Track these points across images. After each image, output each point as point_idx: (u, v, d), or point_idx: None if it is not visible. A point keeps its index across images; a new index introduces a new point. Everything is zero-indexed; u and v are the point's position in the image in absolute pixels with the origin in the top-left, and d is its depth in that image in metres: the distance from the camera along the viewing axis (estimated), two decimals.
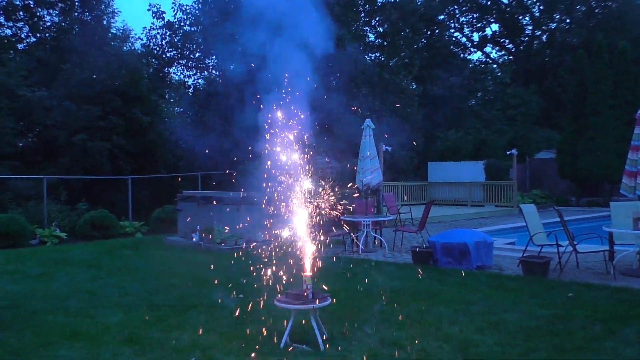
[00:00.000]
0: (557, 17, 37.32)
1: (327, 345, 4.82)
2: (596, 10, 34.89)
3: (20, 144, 18.91)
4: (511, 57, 41.02)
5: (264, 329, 5.33)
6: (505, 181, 21.43)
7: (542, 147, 27.10)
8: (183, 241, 12.66)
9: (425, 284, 7.47)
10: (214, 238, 11.68)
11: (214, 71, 22.05)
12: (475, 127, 29.75)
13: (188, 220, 12.94)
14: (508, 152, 20.72)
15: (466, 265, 8.69)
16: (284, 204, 5.72)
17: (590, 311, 5.88)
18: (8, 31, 25.94)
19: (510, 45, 40.84)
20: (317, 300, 4.91)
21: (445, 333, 5.20)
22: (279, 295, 5.15)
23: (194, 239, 12.12)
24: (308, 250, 5.18)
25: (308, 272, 5.02)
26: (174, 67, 23.31)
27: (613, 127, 20.56)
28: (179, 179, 21.23)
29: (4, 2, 25.58)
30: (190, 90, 25.31)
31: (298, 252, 5.26)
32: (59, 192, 16.17)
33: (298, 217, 5.31)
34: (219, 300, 6.54)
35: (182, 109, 31.13)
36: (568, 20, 36.48)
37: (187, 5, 21.88)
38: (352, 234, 11.18)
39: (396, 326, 5.44)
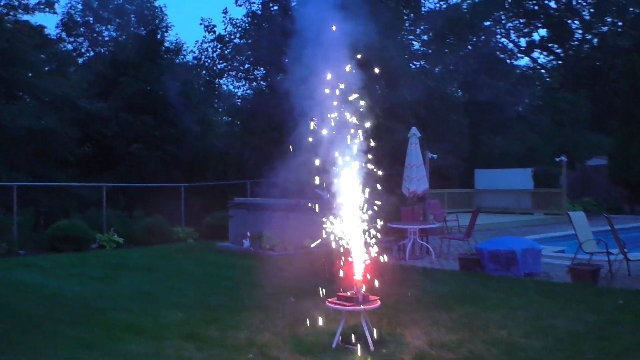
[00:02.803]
0: (609, 20, 36.39)
1: (376, 346, 5.03)
2: None
3: (80, 153, 19.90)
4: (560, 62, 40.18)
5: (315, 330, 5.59)
6: (554, 189, 21.06)
7: (592, 152, 26.43)
8: (233, 247, 13.09)
9: (473, 289, 7.58)
10: (264, 243, 12.04)
11: (261, 82, 22.63)
12: (522, 132, 29.30)
13: (239, 226, 13.39)
14: (557, 159, 20.36)
15: (514, 272, 8.72)
16: (334, 212, 5.94)
17: None
18: (69, 46, 27.39)
19: (558, 50, 40.02)
20: (367, 303, 5.14)
21: (492, 337, 5.33)
22: (329, 297, 5.40)
23: (245, 245, 12.52)
24: (358, 255, 5.42)
25: (358, 276, 5.26)
26: (224, 79, 24.04)
27: None
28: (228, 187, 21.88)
29: (66, 19, 27.04)
30: (239, 100, 26.06)
31: (348, 258, 5.49)
32: (117, 199, 16.97)
33: (347, 225, 5.53)
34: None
35: (230, 119, 32.04)
36: (620, 23, 35.53)
37: (236, 18, 22.55)
38: (398, 242, 11.33)
39: (444, 329, 5.61)
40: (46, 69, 22.34)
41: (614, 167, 21.56)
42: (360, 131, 5.71)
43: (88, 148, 21.02)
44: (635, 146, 20.71)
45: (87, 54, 28.49)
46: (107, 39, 28.59)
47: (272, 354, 4.91)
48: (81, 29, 28.14)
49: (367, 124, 5.89)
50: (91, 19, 27.99)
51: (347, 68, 5.66)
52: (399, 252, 11.29)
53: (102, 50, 28.05)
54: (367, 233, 5.57)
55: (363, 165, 5.71)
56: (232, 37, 22.55)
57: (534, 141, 27.33)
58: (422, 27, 25.77)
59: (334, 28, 6.02)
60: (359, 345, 5.05)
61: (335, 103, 5.90)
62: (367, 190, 5.90)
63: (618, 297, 6.92)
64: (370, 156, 5.83)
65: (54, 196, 18.02)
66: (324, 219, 5.71)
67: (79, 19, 27.84)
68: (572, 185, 23.68)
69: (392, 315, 6.09)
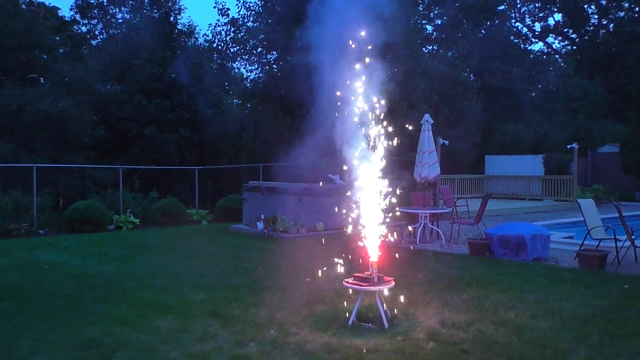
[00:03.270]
0: (626, 5, 35.95)
1: (390, 324, 5.29)
2: None
3: (96, 136, 20.20)
4: (574, 47, 39.83)
5: (331, 308, 5.87)
6: (565, 175, 21.15)
7: (606, 140, 26.38)
8: (248, 229, 13.38)
9: (482, 273, 7.82)
10: (278, 226, 12.32)
11: (274, 66, 22.75)
12: (535, 119, 29.27)
13: (252, 209, 13.67)
14: (569, 146, 20.41)
15: (522, 257, 8.94)
16: (348, 195, 6.13)
17: None
18: (84, 28, 27.58)
19: (573, 35, 39.65)
20: (382, 284, 5.40)
21: (501, 317, 5.58)
22: (345, 278, 5.66)
23: (259, 227, 12.80)
24: (373, 238, 5.65)
25: (374, 258, 5.51)
26: (237, 62, 24.19)
27: None
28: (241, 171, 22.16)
29: (80, 1, 27.19)
30: (250, 84, 26.19)
31: (363, 240, 5.72)
32: (132, 181, 17.29)
33: (362, 209, 5.75)
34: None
35: (240, 101, 32.23)
36: (637, 9, 35.09)
37: (250, 2, 22.62)
38: (409, 226, 11.56)
39: (455, 310, 5.86)
40: (61, 51, 22.57)
41: (627, 155, 21.55)
42: (375, 115, 5.85)
43: (103, 131, 21.30)
44: None
45: (100, 37, 28.67)
46: (120, 21, 28.72)
47: (292, 331, 5.18)
48: (95, 11, 28.27)
49: (383, 111, 6.01)
50: (105, 0, 28.09)
51: (366, 60, 5.78)
52: (409, 236, 11.52)
53: (116, 32, 28.21)
54: (383, 217, 5.77)
55: (381, 149, 5.85)
56: (246, 20, 22.64)
57: (547, 128, 27.30)
58: (436, 11, 25.69)
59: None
60: (373, 324, 5.31)
61: (358, 88, 6.01)
62: (382, 175, 6.04)
63: (624, 282, 7.12)
64: (386, 142, 5.97)
65: (71, 178, 18.39)
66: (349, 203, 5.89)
67: (92, 1, 27.96)
68: (583, 173, 23.74)
69: (405, 295, 6.33)
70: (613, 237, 8.59)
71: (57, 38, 22.52)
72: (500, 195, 22.17)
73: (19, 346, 4.83)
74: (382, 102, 5.85)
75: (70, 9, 27.31)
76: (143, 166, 19.38)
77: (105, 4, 28.00)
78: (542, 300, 6.25)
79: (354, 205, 5.70)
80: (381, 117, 5.92)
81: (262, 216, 12.88)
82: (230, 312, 5.84)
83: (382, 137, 5.88)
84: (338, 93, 5.89)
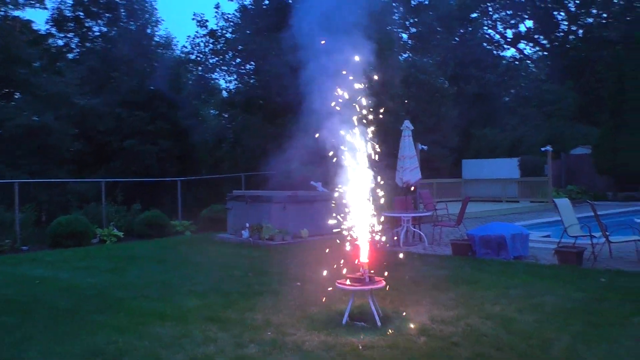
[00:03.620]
0: (594, 11, 37.04)
1: (382, 323, 5.51)
2: (635, 4, 34.51)
3: (77, 149, 20.15)
4: (546, 53, 40.84)
5: (324, 310, 6.07)
6: (540, 177, 21.72)
7: (579, 142, 27.13)
8: (233, 238, 13.51)
9: (467, 272, 8.11)
10: (263, 234, 12.48)
11: (252, 76, 22.95)
12: (510, 124, 29.95)
13: (237, 218, 13.81)
14: (543, 149, 21.00)
15: (503, 256, 9.26)
16: (334, 202, 6.34)
17: (622, 294, 6.44)
18: (60, 42, 27.47)
19: (545, 41, 40.66)
20: (373, 284, 5.63)
21: (488, 312, 5.85)
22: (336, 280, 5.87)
23: (244, 236, 12.94)
24: (363, 240, 5.88)
25: (364, 259, 5.74)
26: (216, 73, 24.36)
27: None
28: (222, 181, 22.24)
29: (56, 14, 27.10)
30: (224, 94, 26.34)
31: (352, 243, 5.94)
32: (115, 194, 17.27)
33: (354, 213, 5.98)
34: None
35: (217, 112, 32.31)
36: (605, 15, 36.19)
37: (228, 13, 22.85)
38: (392, 229, 11.83)
39: (443, 307, 6.12)
40: (37, 65, 22.48)
41: (599, 156, 22.25)
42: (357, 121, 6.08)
43: (83, 144, 21.24)
44: (621, 138, 21.39)
45: (77, 50, 28.58)
46: (97, 34, 28.69)
47: (289, 332, 5.37)
48: (70, 24, 28.18)
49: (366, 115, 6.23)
50: (81, 13, 28.03)
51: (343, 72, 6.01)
52: (393, 240, 11.78)
53: (93, 46, 28.17)
54: (370, 222, 6.00)
55: (364, 156, 6.06)
56: (224, 31, 22.83)
57: (521, 132, 27.97)
58: (411, 20, 26.22)
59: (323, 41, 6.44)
60: (366, 323, 5.53)
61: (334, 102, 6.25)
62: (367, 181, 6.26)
63: (601, 276, 7.48)
64: (371, 148, 6.19)
65: (52, 193, 18.31)
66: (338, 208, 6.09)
67: (69, 14, 27.89)
68: (557, 174, 24.37)
69: (394, 296, 6.57)
70: (589, 234, 8.97)
71: (33, 52, 22.43)
72: (478, 198, 22.65)
73: (29, 357, 4.93)
74: (364, 110, 6.09)
75: (46, 22, 27.22)
76: (125, 179, 19.36)
77: (81, 17, 27.96)
78: (525, 295, 6.54)
79: (345, 210, 5.92)
80: (364, 123, 6.14)
81: (247, 224, 13.02)
82: (227, 316, 6.00)
83: (366, 144, 6.10)
84: (339, 91, 6.06)
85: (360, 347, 4.85)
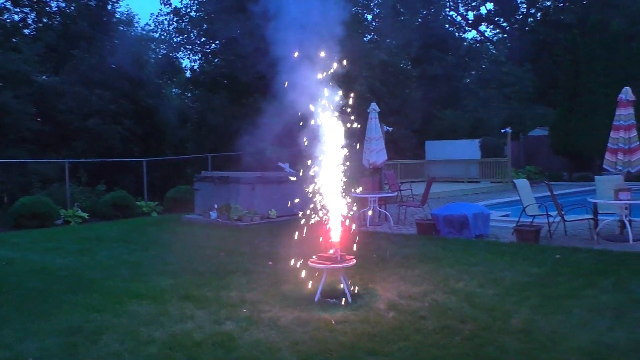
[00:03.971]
0: None
1: (353, 299, 5.78)
2: None
3: (36, 129, 19.64)
4: (505, 36, 41.65)
5: (296, 288, 6.29)
6: (500, 158, 22.40)
7: (537, 124, 27.97)
8: (200, 219, 13.58)
9: (431, 250, 8.46)
10: (232, 215, 12.59)
11: (218, 55, 22.75)
12: (471, 105, 30.61)
13: (205, 199, 13.86)
14: (502, 130, 21.63)
15: (466, 234, 9.67)
16: (305, 183, 6.52)
17: (575, 269, 6.87)
18: (16, 17, 26.48)
19: (504, 24, 41.44)
20: (344, 262, 5.88)
21: (452, 288, 6.18)
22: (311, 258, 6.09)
23: (212, 217, 13.02)
24: (334, 220, 6.11)
25: (336, 239, 5.97)
26: (180, 52, 24.02)
27: (605, 105, 21.37)
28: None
29: None
30: (189, 73, 26.01)
31: (323, 223, 6.16)
32: (79, 175, 17.02)
33: (325, 194, 6.19)
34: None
35: (180, 91, 31.91)
36: None
37: None
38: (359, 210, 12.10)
39: (410, 283, 6.43)
40: None
41: (555, 138, 23.05)
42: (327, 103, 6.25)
43: (43, 124, 20.70)
44: (575, 119, 22.19)
45: (34, 26, 27.62)
46: (55, 9, 27.76)
47: (264, 309, 5.58)
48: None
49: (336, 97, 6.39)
50: None
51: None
52: (360, 219, 12.08)
53: (51, 22, 27.27)
54: (341, 202, 6.23)
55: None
56: (189, 9, 22.52)
57: (482, 113, 28.63)
58: (375, 1, 26.37)
59: None
60: (337, 299, 5.78)
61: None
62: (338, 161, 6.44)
63: (557, 253, 7.92)
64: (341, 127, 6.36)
65: (11, 173, 17.86)
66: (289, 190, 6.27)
67: None
68: (516, 155, 25.15)
69: (363, 273, 6.85)
70: (545, 213, 9.44)
71: None
72: (441, 178, 23.20)
73: (3, 335, 4.99)
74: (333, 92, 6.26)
75: None
76: (90, 159, 19.06)
77: None
78: (486, 271, 6.92)
79: (315, 190, 6.11)
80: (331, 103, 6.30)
81: (215, 205, 13.10)
82: (202, 295, 6.16)
83: (336, 122, 6.28)
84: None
85: (333, 322, 5.09)
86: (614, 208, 9.22)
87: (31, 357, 4.44)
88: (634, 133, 9.25)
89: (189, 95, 28.73)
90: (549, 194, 9.94)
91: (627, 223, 8.90)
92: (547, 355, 4.22)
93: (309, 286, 6.17)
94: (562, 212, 9.29)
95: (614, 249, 8.17)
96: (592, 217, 9.40)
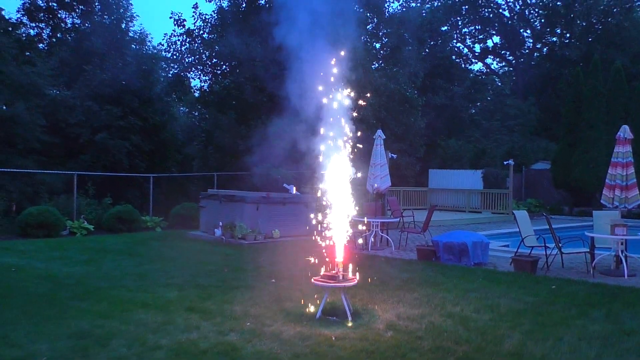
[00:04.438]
0: (558, 31, 38.57)
1: (353, 318, 5.97)
2: (596, 26, 36.13)
3: (47, 141, 20.00)
4: (511, 69, 42.27)
5: (299, 304, 6.49)
6: (501, 190, 22.64)
7: (539, 157, 28.27)
8: (205, 235, 13.80)
9: (430, 275, 8.66)
10: (236, 233, 12.82)
11: (228, 77, 23.19)
12: (475, 136, 30.96)
13: (210, 216, 14.10)
14: (505, 162, 21.91)
15: (465, 262, 9.87)
16: (309, 205, 6.78)
17: (569, 299, 7.07)
18: (32, 31, 27.12)
19: (510, 57, 42.09)
20: (346, 281, 6.09)
21: (448, 311, 6.38)
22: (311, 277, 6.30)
23: (217, 234, 13.25)
24: (338, 242, 6.33)
25: (339, 259, 6.19)
26: (191, 72, 24.50)
27: (606, 142, 21.70)
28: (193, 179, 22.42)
29: (28, 4, 26.75)
30: (198, 92, 26.46)
31: (326, 244, 6.38)
32: (86, 187, 17.30)
33: (331, 217, 6.42)
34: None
35: (187, 109, 32.35)
36: (568, 35, 37.73)
37: (206, 14, 23.06)
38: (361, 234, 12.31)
39: (408, 306, 6.62)
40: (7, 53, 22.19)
41: (557, 171, 23.31)
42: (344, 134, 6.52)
43: (52, 136, 21.07)
44: (576, 154, 22.48)
45: (48, 41, 28.26)
46: (69, 26, 28.42)
47: (267, 323, 5.78)
48: (42, 14, 27.85)
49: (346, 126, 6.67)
50: (54, 4, 27.73)
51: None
52: (362, 244, 12.28)
53: (65, 37, 27.90)
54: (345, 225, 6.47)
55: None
56: (201, 31, 23.05)
57: (485, 144, 28.95)
58: (384, 31, 26.87)
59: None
60: (338, 317, 5.98)
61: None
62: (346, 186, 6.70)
63: (552, 283, 8.12)
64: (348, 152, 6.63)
65: (19, 183, 18.15)
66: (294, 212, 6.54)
67: (42, 4, 27.56)
68: (517, 187, 25.39)
69: (363, 295, 7.05)
70: (543, 245, 9.65)
71: (4, 40, 22.14)
72: (442, 207, 23.41)
73: (15, 336, 5.20)
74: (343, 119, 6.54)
75: (17, 12, 26.83)
76: (98, 172, 19.37)
77: (54, 7, 27.67)
78: (482, 297, 7.11)
79: (324, 211, 6.36)
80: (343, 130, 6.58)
81: (220, 223, 13.33)
82: (206, 307, 6.37)
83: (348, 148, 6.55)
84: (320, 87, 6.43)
85: (334, 338, 5.29)
86: (610, 243, 9.43)
87: (44, 357, 4.64)
88: (632, 170, 9.50)
89: (197, 114, 29.17)
90: (547, 226, 10.15)
91: (622, 258, 9.10)
92: None
93: (311, 304, 6.37)
94: (560, 245, 9.49)
95: (609, 282, 8.36)
96: (588, 250, 9.59)
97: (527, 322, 5.98)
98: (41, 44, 27.96)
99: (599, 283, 8.24)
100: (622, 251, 9.16)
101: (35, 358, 4.66)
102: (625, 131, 9.64)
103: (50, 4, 27.60)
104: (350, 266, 6.27)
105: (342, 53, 6.81)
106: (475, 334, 5.52)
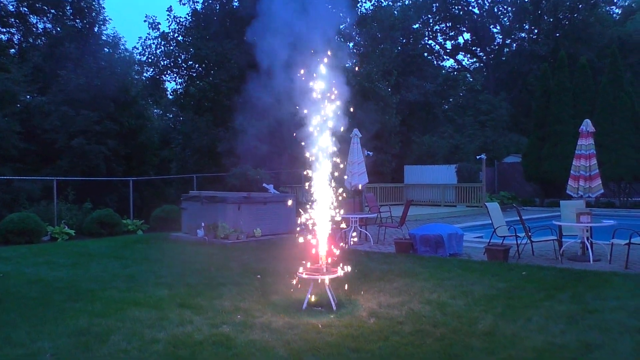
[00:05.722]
0: (526, 27, 39.52)
1: (337, 307, 6.34)
2: (563, 22, 37.13)
3: (23, 147, 19.94)
4: (482, 65, 43.16)
5: (285, 298, 6.84)
6: (475, 183, 23.29)
7: (511, 151, 29.07)
8: (187, 237, 14.03)
9: (408, 267, 9.08)
10: (219, 233, 13.08)
11: (204, 79, 23.38)
12: (448, 131, 31.65)
13: (192, 217, 14.33)
14: (477, 157, 22.56)
15: (441, 253, 10.33)
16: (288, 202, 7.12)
17: (538, 284, 7.56)
18: (2, 37, 26.84)
19: (481, 54, 42.97)
20: (330, 272, 6.46)
21: (426, 298, 6.80)
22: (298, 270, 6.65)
23: (199, 235, 13.49)
24: (321, 236, 6.70)
25: (323, 252, 6.56)
26: (167, 75, 24.59)
27: (573, 135, 22.42)
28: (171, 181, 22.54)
29: None
30: (173, 95, 26.56)
31: (310, 239, 6.74)
32: (66, 193, 17.34)
33: (315, 213, 6.78)
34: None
35: (163, 112, 32.37)
36: (536, 31, 38.69)
37: (180, 17, 23.19)
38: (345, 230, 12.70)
39: (389, 295, 7.02)
40: None
41: (527, 165, 24.06)
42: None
43: (28, 142, 20.99)
44: (546, 147, 23.24)
45: (19, 46, 27.99)
46: (40, 31, 28.19)
47: (256, 315, 6.12)
48: (12, 19, 27.58)
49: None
50: (25, 9, 27.49)
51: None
52: (341, 239, 12.66)
53: (37, 42, 27.68)
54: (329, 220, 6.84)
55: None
56: (176, 34, 23.17)
57: (458, 140, 29.64)
58: (356, 30, 27.30)
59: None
60: (323, 308, 6.34)
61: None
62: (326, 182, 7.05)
63: (523, 270, 8.61)
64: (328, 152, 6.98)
65: None
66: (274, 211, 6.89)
67: (12, 9, 27.29)
68: (490, 181, 26.11)
69: (346, 287, 7.41)
70: (514, 234, 10.16)
71: None
72: (419, 202, 23.98)
73: (17, 336, 5.44)
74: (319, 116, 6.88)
75: None
76: (77, 177, 19.39)
77: (25, 12, 27.42)
78: (457, 285, 7.56)
79: (307, 207, 6.71)
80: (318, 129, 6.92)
81: (203, 224, 13.57)
82: (197, 303, 6.67)
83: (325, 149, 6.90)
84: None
85: (320, 326, 5.65)
86: (576, 230, 9.98)
87: (49, 353, 4.90)
88: (594, 162, 10.07)
89: (172, 117, 29.24)
90: (518, 217, 10.67)
91: (587, 244, 9.65)
92: (506, 352, 4.84)
93: (297, 296, 6.72)
94: (530, 234, 10.01)
95: (576, 267, 8.90)
96: (556, 238, 10.13)
97: (499, 305, 6.42)
98: (12, 49, 27.69)
99: (566, 268, 8.76)
100: (587, 238, 9.72)
101: (40, 355, 4.91)
102: (587, 125, 10.19)
103: (21, 8, 27.35)
104: (330, 259, 6.65)
105: (312, 50, 7.12)
106: (452, 317, 5.94)
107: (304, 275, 6.46)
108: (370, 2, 29.61)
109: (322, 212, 6.70)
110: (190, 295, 7.12)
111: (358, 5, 27.73)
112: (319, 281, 6.48)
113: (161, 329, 5.60)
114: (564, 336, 5.24)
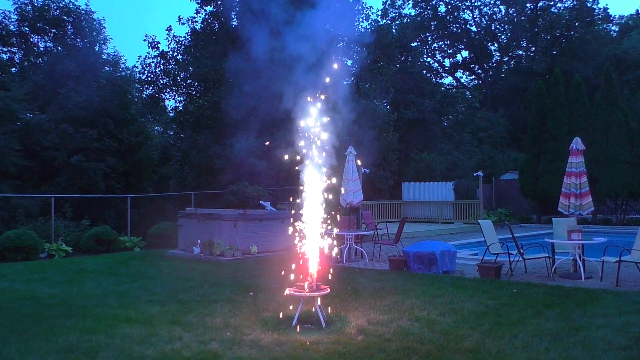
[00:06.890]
0: (524, 44, 39.90)
1: (327, 324, 6.39)
2: (560, 39, 37.49)
3: (22, 164, 20.07)
4: (480, 82, 43.49)
5: (275, 315, 6.89)
6: (472, 200, 23.36)
7: (509, 168, 29.18)
8: (183, 254, 14.08)
9: (401, 284, 9.13)
10: (214, 250, 13.13)
11: (203, 97, 23.59)
12: (446, 148, 31.80)
13: (188, 234, 14.39)
14: (475, 174, 22.66)
15: (434, 270, 10.37)
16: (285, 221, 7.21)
17: (527, 301, 7.60)
18: (4, 56, 27.15)
19: (479, 71, 43.33)
20: (320, 290, 6.52)
21: (416, 316, 6.84)
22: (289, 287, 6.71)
23: (195, 252, 13.54)
24: (312, 254, 6.77)
25: (313, 270, 6.62)
26: (166, 93, 24.84)
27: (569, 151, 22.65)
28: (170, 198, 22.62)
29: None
30: (173, 113, 26.79)
31: (302, 257, 6.81)
32: (64, 209, 17.43)
33: (307, 231, 6.86)
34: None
35: (162, 129, 32.59)
36: (533, 48, 39.05)
37: (180, 36, 23.49)
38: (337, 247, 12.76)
39: (378, 312, 7.07)
40: None
41: (524, 181, 24.15)
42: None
43: (27, 159, 21.13)
44: (542, 164, 23.35)
45: (20, 65, 28.29)
46: (42, 49, 28.51)
47: (246, 332, 6.16)
48: (13, 39, 27.92)
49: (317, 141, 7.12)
50: (27, 28, 27.84)
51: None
52: (337, 256, 12.71)
53: (38, 61, 27.97)
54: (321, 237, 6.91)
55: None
56: (175, 53, 23.44)
57: (456, 157, 29.77)
58: (355, 48, 27.58)
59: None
60: (313, 325, 6.38)
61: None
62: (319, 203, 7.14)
63: (514, 287, 8.65)
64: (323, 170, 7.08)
65: None
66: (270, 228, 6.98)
67: (13, 29, 27.64)
68: (488, 198, 26.18)
69: (337, 303, 7.47)
70: (507, 252, 10.22)
71: None
72: (416, 219, 24.04)
73: (7, 352, 5.49)
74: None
75: None
76: (75, 195, 19.49)
77: (26, 32, 27.77)
78: (448, 302, 7.60)
79: (298, 225, 6.79)
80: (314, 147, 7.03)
81: (199, 241, 13.63)
82: (188, 320, 6.72)
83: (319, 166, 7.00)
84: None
85: (308, 343, 5.70)
86: (568, 247, 10.04)
87: None
88: (584, 179, 10.16)
89: (172, 133, 29.44)
90: (519, 234, 10.72)
91: (579, 262, 9.70)
92: None
93: (288, 313, 6.77)
94: (522, 251, 10.06)
95: (567, 284, 8.94)
96: (549, 255, 10.18)
97: (487, 322, 6.47)
98: (14, 68, 27.98)
99: (557, 285, 8.80)
100: (579, 255, 9.77)
101: None
102: (577, 143, 10.30)
103: (22, 28, 27.69)
104: (322, 277, 6.70)
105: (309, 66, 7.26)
106: (439, 334, 5.99)
107: (293, 293, 6.52)
108: (367, 21, 29.98)
109: (314, 229, 6.76)
110: (181, 312, 7.17)
111: (355, 24, 28.07)
112: (309, 299, 6.53)
113: (150, 345, 5.65)
114: (547, 353, 5.29)
